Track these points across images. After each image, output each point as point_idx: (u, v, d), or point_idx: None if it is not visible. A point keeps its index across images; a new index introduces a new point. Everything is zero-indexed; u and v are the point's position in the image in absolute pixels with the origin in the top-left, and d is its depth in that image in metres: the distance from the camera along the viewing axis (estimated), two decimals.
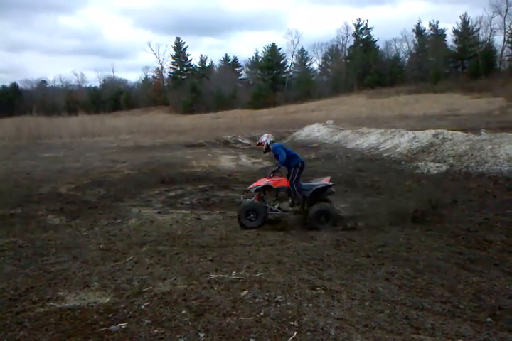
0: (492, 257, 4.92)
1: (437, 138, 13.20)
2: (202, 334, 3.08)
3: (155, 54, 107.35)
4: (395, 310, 3.49)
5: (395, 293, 3.84)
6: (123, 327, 3.22)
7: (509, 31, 60.59)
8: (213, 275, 4.23)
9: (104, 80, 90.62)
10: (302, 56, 79.16)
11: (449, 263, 4.73)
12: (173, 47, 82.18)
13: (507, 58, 63.49)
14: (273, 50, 77.94)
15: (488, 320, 3.35)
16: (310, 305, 3.55)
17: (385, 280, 4.19)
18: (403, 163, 12.60)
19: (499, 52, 63.43)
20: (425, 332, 3.14)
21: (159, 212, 8.11)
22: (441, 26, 70.73)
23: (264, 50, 79.44)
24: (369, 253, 5.06)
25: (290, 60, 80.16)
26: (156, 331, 3.15)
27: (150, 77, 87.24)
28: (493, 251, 5.15)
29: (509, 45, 62.04)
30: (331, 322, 3.24)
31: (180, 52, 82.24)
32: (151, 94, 79.82)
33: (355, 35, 75.44)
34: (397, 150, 14.32)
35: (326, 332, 3.10)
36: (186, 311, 3.46)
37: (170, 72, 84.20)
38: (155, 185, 11.23)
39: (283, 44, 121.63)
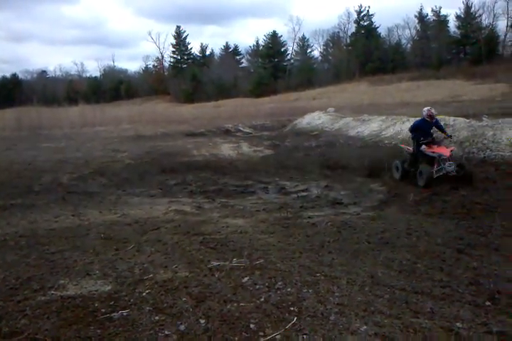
0: (492, 242, 4.92)
1: None
2: (203, 321, 3.10)
3: (155, 43, 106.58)
4: (394, 295, 3.50)
5: (394, 278, 3.86)
6: (124, 314, 3.25)
7: None
8: (214, 263, 4.25)
9: (104, 70, 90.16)
10: (303, 43, 78.45)
11: (449, 248, 4.73)
12: (174, 36, 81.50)
13: (510, 44, 62.86)
14: (274, 37, 77.24)
15: (487, 303, 3.37)
16: (310, 291, 3.57)
17: (385, 265, 4.19)
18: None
19: (502, 37, 62.83)
20: (424, 316, 3.15)
21: (160, 201, 8.13)
22: (443, 12, 69.78)
23: (265, 37, 78.81)
24: (369, 239, 5.06)
25: (291, 48, 79.50)
26: (157, 318, 3.18)
27: (150, 66, 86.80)
28: (493, 236, 5.15)
29: None
30: (330, 307, 3.26)
31: (180, 41, 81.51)
32: (151, 83, 79.33)
33: (356, 21, 74.53)
34: (399, 137, 14.25)
35: (326, 317, 3.12)
36: (187, 298, 3.48)
37: (170, 61, 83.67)
38: (156, 174, 11.24)
39: (284, 31, 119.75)
